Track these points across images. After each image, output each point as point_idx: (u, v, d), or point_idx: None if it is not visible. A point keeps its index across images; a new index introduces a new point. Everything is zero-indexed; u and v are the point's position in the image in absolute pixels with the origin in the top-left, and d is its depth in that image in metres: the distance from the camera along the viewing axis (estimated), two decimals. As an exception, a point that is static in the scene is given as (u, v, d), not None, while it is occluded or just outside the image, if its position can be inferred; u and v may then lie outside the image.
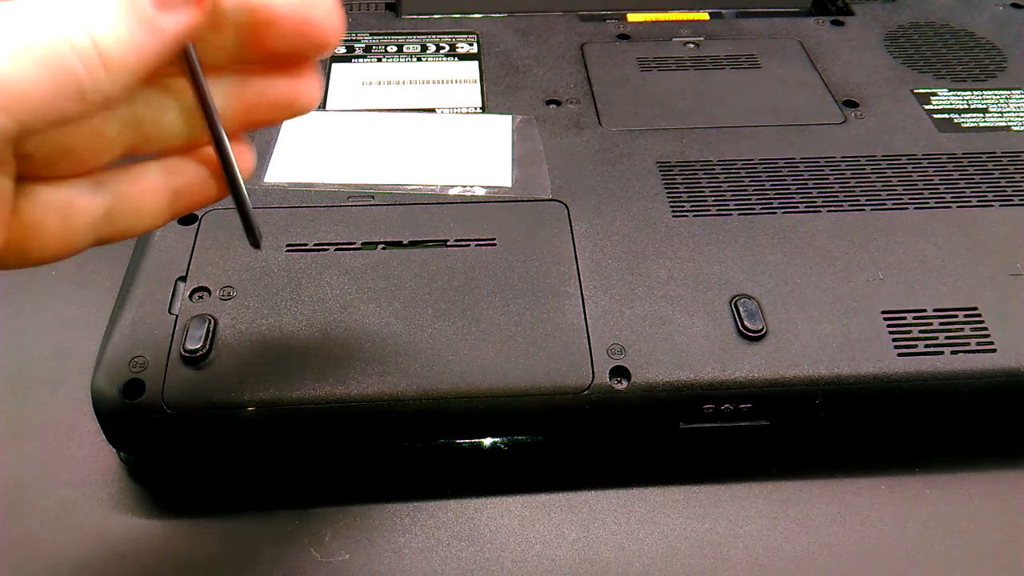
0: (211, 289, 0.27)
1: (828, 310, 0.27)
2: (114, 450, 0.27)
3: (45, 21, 0.18)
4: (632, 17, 0.42)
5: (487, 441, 0.27)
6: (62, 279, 0.32)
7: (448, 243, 0.29)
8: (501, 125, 0.34)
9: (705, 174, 0.32)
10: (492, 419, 0.25)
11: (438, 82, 0.37)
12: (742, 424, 0.26)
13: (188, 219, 0.29)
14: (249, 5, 0.20)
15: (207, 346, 0.25)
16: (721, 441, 0.27)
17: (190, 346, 0.25)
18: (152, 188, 0.21)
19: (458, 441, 0.27)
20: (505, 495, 0.26)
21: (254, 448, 0.26)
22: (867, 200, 0.31)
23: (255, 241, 0.23)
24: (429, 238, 0.29)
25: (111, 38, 0.18)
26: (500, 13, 0.42)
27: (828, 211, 0.30)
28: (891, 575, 0.25)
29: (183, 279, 0.27)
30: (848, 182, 0.32)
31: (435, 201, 0.30)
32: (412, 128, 0.34)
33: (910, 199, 0.31)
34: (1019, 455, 0.27)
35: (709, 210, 0.30)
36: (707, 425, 0.26)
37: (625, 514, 0.26)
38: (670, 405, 0.25)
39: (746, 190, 0.31)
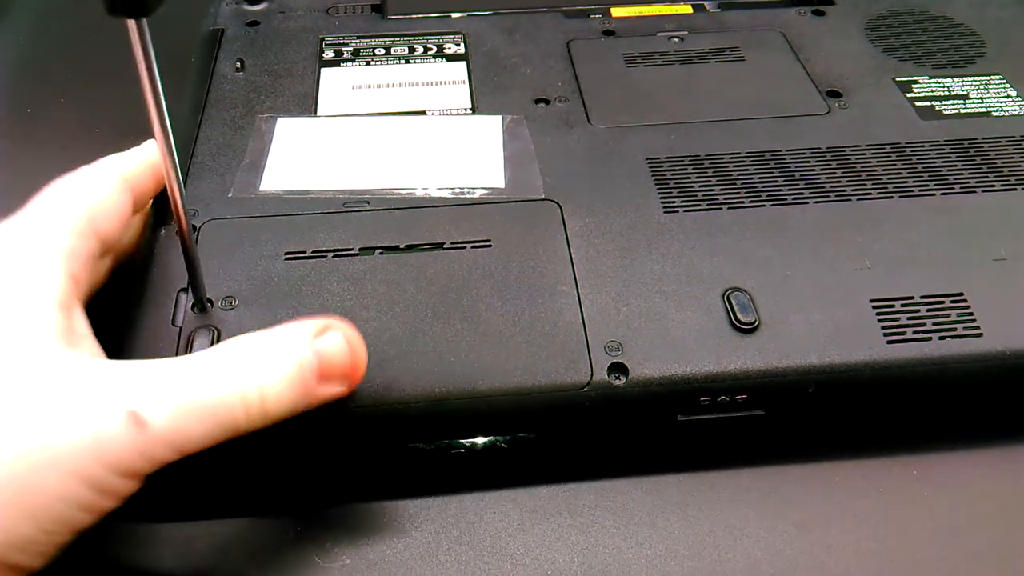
0: (213, 300, 0.27)
1: (818, 300, 0.28)
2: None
3: (222, 378, 0.21)
4: (616, 12, 0.43)
5: (487, 439, 0.27)
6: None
7: (444, 246, 0.29)
8: (491, 126, 0.35)
9: (694, 169, 0.32)
10: (494, 419, 0.26)
11: (427, 84, 0.37)
12: (738, 415, 0.27)
13: (188, 229, 0.29)
14: None
15: (212, 356, 0.25)
16: (719, 432, 0.27)
17: None
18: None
19: (459, 440, 0.27)
20: (505, 499, 0.26)
21: (258, 455, 0.26)
22: (853, 190, 0.31)
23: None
24: (425, 242, 0.29)
25: (274, 398, 0.22)
26: (485, 11, 0.42)
27: (815, 202, 0.31)
28: (891, 571, 0.25)
29: (185, 290, 0.27)
30: (834, 172, 0.32)
31: (430, 204, 0.31)
32: (404, 131, 0.34)
33: (895, 188, 0.32)
34: (1013, 442, 0.28)
35: (699, 205, 0.31)
36: (704, 417, 0.27)
37: (624, 515, 0.26)
38: (667, 399, 0.26)
39: (734, 183, 0.32)
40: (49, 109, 0.41)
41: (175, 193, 0.23)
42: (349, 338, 0.24)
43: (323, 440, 0.26)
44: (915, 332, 0.27)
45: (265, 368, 0.22)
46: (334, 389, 0.23)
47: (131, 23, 0.19)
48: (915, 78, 0.38)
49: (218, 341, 0.26)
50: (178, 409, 0.21)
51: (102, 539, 0.25)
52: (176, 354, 0.26)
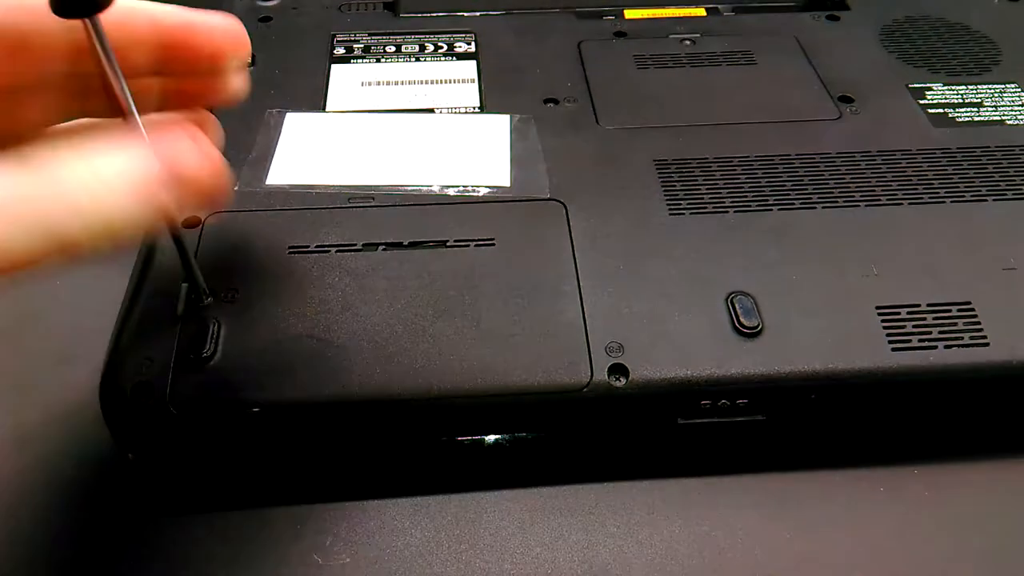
0: (215, 291, 0.27)
1: (823, 306, 0.27)
2: (119, 451, 0.27)
3: (40, 173, 0.18)
4: (629, 13, 0.42)
5: (489, 438, 0.27)
6: (65, 287, 0.32)
7: (448, 243, 0.29)
8: (499, 125, 0.35)
9: (701, 172, 0.32)
10: (493, 417, 0.26)
11: (437, 82, 0.37)
12: (739, 419, 0.26)
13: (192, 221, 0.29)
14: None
15: (212, 348, 0.25)
16: (719, 436, 0.27)
17: (196, 348, 0.25)
18: None
19: (459, 438, 0.27)
20: (506, 498, 0.27)
21: (260, 448, 0.26)
22: (862, 196, 0.31)
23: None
24: (429, 239, 0.29)
25: (105, 195, 0.18)
26: (497, 10, 0.42)
27: (823, 207, 0.31)
28: (892, 573, 0.25)
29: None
30: (843, 178, 0.32)
31: (435, 202, 0.31)
32: (411, 129, 0.34)
33: (904, 194, 0.31)
34: (1016, 452, 0.28)
35: (705, 207, 0.31)
36: (704, 420, 0.26)
37: (625, 515, 0.26)
38: (668, 401, 0.26)
39: (742, 187, 0.32)
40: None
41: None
42: (200, 142, 0.21)
43: (322, 436, 0.26)
44: (920, 340, 0.27)
45: (92, 162, 0.19)
46: (182, 197, 0.20)
47: (86, 21, 0.18)
48: (929, 85, 0.37)
49: (219, 332, 0.26)
50: None
51: (101, 532, 0.26)
52: (176, 345, 0.26)
